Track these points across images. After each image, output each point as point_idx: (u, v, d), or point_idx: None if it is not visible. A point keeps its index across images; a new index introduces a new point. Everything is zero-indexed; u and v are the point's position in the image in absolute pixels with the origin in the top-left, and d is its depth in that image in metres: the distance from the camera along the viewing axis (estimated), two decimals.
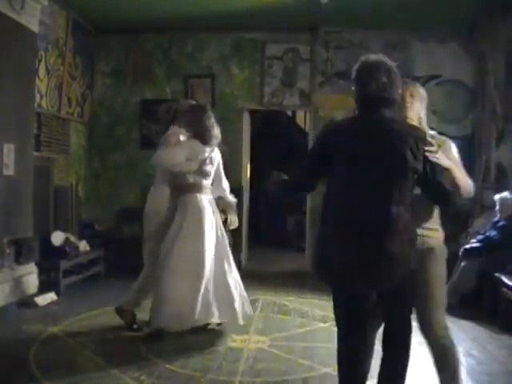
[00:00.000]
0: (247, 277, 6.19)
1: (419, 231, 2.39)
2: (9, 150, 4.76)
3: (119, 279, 5.49)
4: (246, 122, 7.04)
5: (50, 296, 4.86)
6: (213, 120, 4.01)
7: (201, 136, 3.93)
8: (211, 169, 4.02)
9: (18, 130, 4.94)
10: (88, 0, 5.90)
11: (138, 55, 7.01)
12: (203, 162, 3.92)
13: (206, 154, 3.94)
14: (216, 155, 4.09)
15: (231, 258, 4.05)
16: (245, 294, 4.05)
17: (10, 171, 4.79)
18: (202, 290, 3.73)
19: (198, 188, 3.94)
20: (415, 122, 2.55)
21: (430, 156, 2.23)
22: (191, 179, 3.91)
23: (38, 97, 5.52)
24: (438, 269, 2.54)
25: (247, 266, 7.03)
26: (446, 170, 2.32)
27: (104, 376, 3.16)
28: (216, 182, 4.18)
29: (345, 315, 2.36)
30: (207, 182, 4.01)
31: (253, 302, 4.98)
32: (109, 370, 3.23)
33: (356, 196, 2.25)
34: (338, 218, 2.29)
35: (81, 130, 6.85)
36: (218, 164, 4.16)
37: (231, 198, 4.30)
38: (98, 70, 7.07)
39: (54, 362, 3.35)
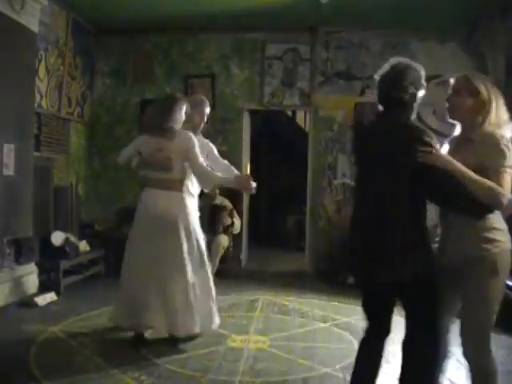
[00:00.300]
0: (247, 277, 6.24)
1: (459, 239, 2.23)
2: (9, 149, 4.77)
3: (119, 279, 5.49)
4: (245, 122, 7.04)
5: (50, 296, 4.86)
6: (176, 111, 3.67)
7: (149, 127, 3.78)
8: (169, 161, 3.62)
9: (17, 130, 4.95)
10: (88, 0, 5.90)
11: (138, 55, 7.01)
12: (152, 155, 3.65)
13: (154, 146, 3.66)
14: (178, 145, 3.63)
15: (188, 266, 3.60)
16: (210, 308, 3.76)
17: (9, 171, 4.79)
18: (142, 292, 3.61)
19: (151, 182, 3.70)
20: (475, 124, 2.23)
21: (421, 156, 2.13)
22: (140, 173, 3.82)
23: (38, 97, 5.52)
24: (482, 284, 2.17)
25: (247, 265, 7.04)
26: (447, 171, 2.13)
27: (104, 376, 3.16)
28: (194, 174, 3.75)
29: (363, 312, 2.49)
30: (170, 176, 3.65)
31: (253, 302, 5.01)
32: (109, 370, 3.23)
33: (363, 196, 2.40)
34: (353, 219, 2.45)
35: (81, 130, 6.85)
36: (187, 153, 3.64)
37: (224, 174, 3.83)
38: (98, 70, 7.07)
39: (53, 362, 3.35)
